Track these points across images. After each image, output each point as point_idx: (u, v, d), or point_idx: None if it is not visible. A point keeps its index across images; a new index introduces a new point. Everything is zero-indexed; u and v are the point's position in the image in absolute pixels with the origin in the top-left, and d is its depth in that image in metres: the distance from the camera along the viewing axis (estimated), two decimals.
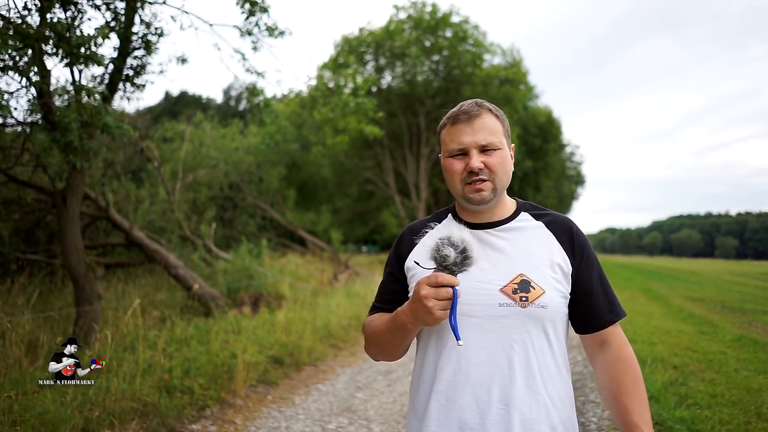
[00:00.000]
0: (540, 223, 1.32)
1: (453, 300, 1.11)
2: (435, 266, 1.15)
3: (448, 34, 18.78)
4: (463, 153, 1.26)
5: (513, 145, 1.37)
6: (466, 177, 1.26)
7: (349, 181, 23.16)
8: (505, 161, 1.28)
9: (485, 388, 1.17)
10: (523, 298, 1.19)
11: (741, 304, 11.45)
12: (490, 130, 1.26)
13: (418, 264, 1.24)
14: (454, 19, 18.66)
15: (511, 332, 1.19)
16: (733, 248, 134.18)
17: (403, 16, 18.93)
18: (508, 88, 18.88)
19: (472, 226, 1.31)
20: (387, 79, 20.50)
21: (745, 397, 4.18)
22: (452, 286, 1.11)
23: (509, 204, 1.36)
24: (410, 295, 1.30)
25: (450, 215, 1.39)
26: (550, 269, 1.24)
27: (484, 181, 1.25)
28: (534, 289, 1.20)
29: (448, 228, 1.17)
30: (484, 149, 1.25)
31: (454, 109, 1.31)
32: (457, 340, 1.11)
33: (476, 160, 1.24)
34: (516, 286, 1.20)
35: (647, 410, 1.22)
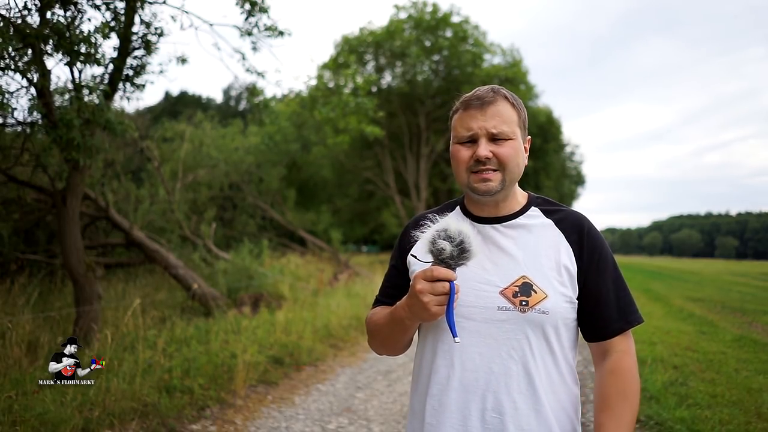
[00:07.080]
0: (549, 221, 1.23)
1: (450, 295, 1.03)
2: (432, 260, 1.07)
3: (449, 34, 18.81)
4: (472, 140, 1.18)
5: (529, 138, 1.28)
6: (473, 165, 1.18)
7: (349, 181, 23.15)
8: (517, 152, 1.19)
9: (479, 395, 1.12)
10: (523, 303, 1.12)
11: (741, 304, 11.45)
12: (503, 118, 1.18)
13: (416, 258, 1.17)
14: (455, 19, 18.69)
15: (509, 338, 1.12)
16: (733, 248, 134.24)
17: (403, 15, 18.96)
18: (508, 88, 18.83)
19: (479, 219, 1.25)
20: (387, 79, 20.53)
21: (745, 397, 4.18)
22: (449, 281, 1.03)
23: (520, 197, 1.27)
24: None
25: (458, 207, 1.33)
26: (556, 272, 1.16)
27: (493, 171, 1.17)
28: (536, 293, 1.12)
29: (446, 220, 1.09)
30: (494, 138, 1.16)
31: (469, 94, 1.22)
32: (454, 336, 1.04)
33: (484, 149, 1.15)
34: (517, 289, 1.13)
35: (625, 430, 1.09)
